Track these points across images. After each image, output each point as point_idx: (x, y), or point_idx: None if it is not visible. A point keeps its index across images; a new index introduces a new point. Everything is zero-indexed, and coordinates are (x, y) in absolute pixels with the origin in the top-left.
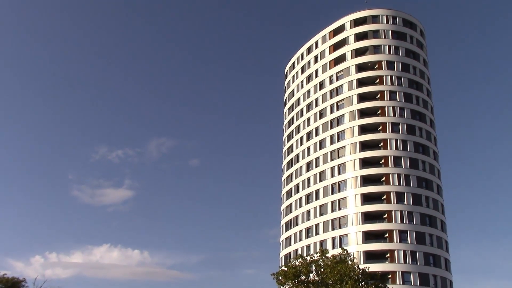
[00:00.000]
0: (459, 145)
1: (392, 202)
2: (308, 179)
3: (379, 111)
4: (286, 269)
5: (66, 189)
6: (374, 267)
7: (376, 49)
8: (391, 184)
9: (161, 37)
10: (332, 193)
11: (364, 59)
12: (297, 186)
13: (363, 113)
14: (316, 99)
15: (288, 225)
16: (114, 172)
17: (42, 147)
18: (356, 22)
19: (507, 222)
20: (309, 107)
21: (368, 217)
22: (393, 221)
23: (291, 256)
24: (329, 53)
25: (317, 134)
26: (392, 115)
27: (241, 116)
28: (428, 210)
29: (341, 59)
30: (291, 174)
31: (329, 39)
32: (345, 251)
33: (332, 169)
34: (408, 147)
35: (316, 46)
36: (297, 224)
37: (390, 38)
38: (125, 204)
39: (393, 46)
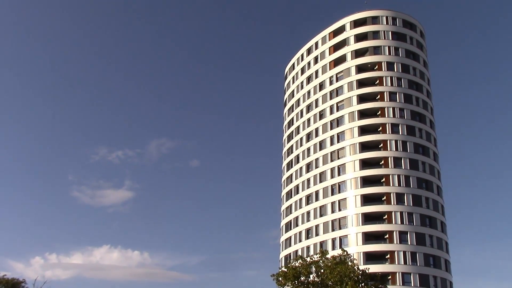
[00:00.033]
0: (459, 145)
1: (392, 203)
2: (308, 180)
3: (379, 112)
4: (286, 270)
5: (66, 190)
6: (374, 268)
7: (376, 50)
8: (391, 185)
9: (161, 37)
10: (332, 194)
11: (364, 60)
12: (297, 187)
13: (363, 114)
14: (316, 100)
15: (288, 226)
16: (114, 173)
17: (42, 148)
18: (356, 23)
19: (507, 223)
20: (309, 108)
21: (368, 218)
22: (393, 222)
23: (291, 257)
24: (329, 54)
25: (317, 135)
26: (392, 116)
27: (241, 117)
28: (428, 211)
29: (341, 60)
30: (291, 175)
31: (329, 40)
32: (345, 252)
33: (332, 170)
34: (408, 148)
35: (316, 47)
36: (297, 225)
37: (390, 39)
38: (125, 205)
39: (393, 47)
